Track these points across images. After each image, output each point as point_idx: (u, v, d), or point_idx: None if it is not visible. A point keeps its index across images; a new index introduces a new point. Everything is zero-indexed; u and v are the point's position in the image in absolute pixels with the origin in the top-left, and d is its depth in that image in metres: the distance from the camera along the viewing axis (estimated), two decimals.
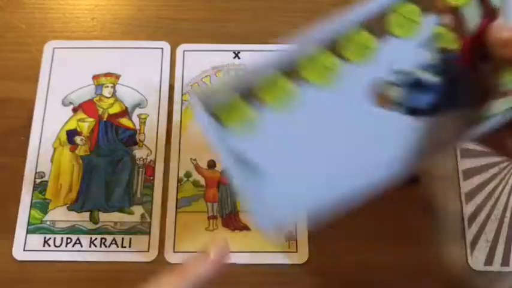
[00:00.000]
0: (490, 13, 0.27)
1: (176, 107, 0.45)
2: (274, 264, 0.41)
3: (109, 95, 0.46)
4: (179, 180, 0.43)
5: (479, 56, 0.27)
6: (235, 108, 0.26)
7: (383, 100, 0.28)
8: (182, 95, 0.46)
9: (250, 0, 0.50)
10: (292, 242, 0.41)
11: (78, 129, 0.45)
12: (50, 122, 0.45)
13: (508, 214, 0.42)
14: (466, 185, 0.43)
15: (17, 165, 0.43)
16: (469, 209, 0.42)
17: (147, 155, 0.44)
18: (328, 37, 0.26)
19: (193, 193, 0.43)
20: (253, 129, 0.26)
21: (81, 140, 0.44)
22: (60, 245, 0.41)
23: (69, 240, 0.41)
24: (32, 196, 0.42)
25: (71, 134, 0.44)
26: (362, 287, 0.40)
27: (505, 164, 0.44)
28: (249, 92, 0.26)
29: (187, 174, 0.43)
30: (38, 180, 0.43)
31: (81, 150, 0.44)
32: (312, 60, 0.26)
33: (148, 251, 0.41)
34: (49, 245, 0.41)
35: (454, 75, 0.28)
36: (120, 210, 0.42)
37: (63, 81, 0.46)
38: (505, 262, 0.41)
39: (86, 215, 0.42)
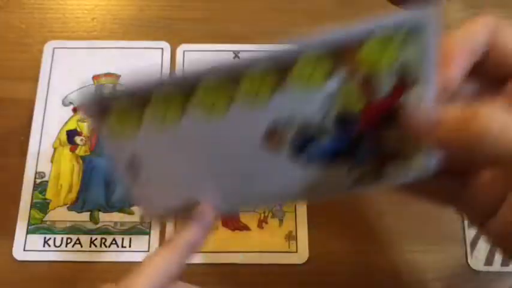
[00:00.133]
0: (404, 82, 0.25)
1: None
2: (274, 264, 0.41)
3: None
4: None
5: (383, 121, 0.26)
6: (123, 113, 0.26)
7: (275, 143, 0.27)
8: None
9: (250, 0, 0.50)
10: (292, 242, 0.41)
11: (78, 129, 0.45)
12: (50, 122, 0.45)
13: None
14: None
15: (17, 165, 0.43)
16: None
17: None
18: (232, 71, 0.24)
19: None
20: (137, 135, 0.26)
21: (81, 140, 0.44)
22: (60, 245, 0.41)
23: (69, 240, 0.41)
24: (32, 196, 0.42)
25: (71, 134, 0.44)
26: (362, 287, 0.41)
27: None
28: (142, 100, 0.25)
29: None
30: (38, 180, 0.43)
31: (81, 150, 0.44)
32: (211, 89, 0.25)
33: (148, 251, 0.41)
34: (49, 245, 0.41)
35: (353, 133, 0.27)
36: (120, 210, 0.42)
37: (63, 81, 0.46)
38: (505, 262, 0.41)
39: (86, 215, 0.42)
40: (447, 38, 0.27)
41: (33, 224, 0.42)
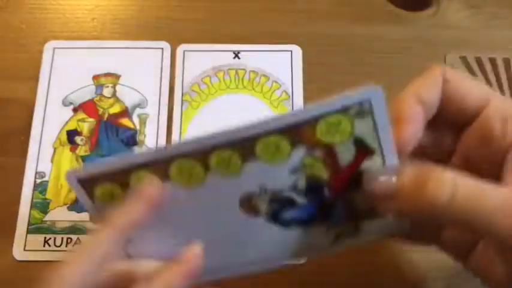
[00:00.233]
0: (364, 150, 0.27)
1: (176, 107, 0.45)
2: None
3: (109, 95, 0.46)
4: None
5: (352, 185, 0.28)
6: (103, 187, 0.28)
7: (252, 209, 0.29)
8: (182, 95, 0.46)
9: (250, 0, 0.50)
10: None
11: (79, 129, 0.45)
12: (50, 122, 0.45)
13: None
14: None
15: (17, 165, 0.43)
16: None
17: None
18: (202, 147, 0.26)
19: None
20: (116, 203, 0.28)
21: (82, 140, 0.44)
22: (61, 245, 0.41)
23: (69, 240, 0.41)
24: (32, 196, 0.42)
25: (71, 134, 0.45)
26: (362, 287, 0.41)
27: None
28: (118, 175, 0.28)
29: None
30: (38, 180, 0.43)
31: (82, 151, 0.44)
32: (184, 166, 0.27)
33: None
34: (49, 245, 0.41)
35: (324, 198, 0.28)
36: None
37: (63, 81, 0.46)
38: None
39: (86, 215, 0.42)
40: (398, 100, 0.28)
41: (33, 224, 0.42)
